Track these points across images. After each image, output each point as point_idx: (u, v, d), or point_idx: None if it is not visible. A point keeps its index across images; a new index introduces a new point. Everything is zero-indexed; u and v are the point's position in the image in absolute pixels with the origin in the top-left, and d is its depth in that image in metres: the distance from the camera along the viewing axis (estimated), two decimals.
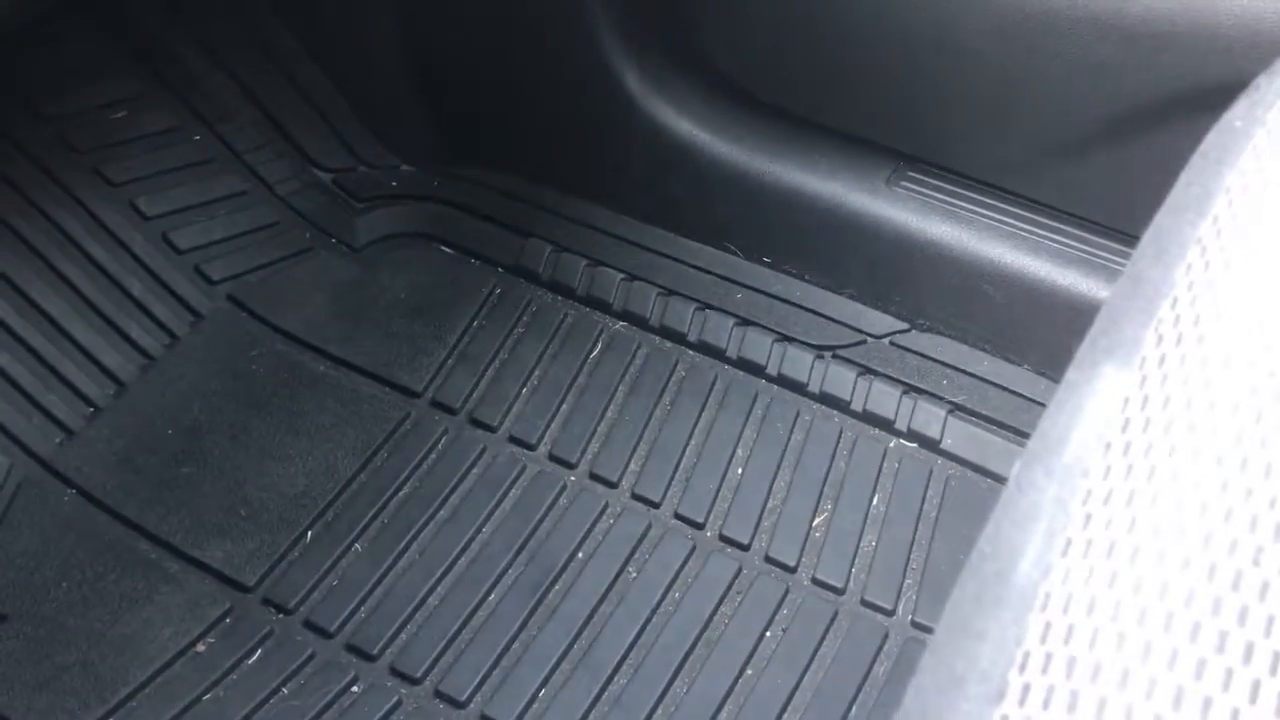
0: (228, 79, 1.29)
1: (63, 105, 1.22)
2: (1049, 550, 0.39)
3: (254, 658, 0.97)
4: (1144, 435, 0.41)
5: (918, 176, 1.13)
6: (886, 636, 0.98)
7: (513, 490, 1.07)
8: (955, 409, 1.09)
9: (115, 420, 1.11)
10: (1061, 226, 1.08)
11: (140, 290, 1.17)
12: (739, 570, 1.02)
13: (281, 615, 0.99)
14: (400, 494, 1.07)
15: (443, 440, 1.11)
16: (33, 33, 1.21)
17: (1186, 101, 0.92)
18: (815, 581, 1.01)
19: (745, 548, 1.03)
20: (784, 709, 0.94)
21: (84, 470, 1.08)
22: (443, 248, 1.27)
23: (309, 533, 1.04)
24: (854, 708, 0.94)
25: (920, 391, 1.11)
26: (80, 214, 1.18)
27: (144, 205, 1.21)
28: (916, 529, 1.03)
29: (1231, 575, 0.36)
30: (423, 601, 1.00)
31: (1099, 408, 0.44)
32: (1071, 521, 0.40)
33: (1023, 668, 0.36)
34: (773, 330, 1.16)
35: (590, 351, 1.18)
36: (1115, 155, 1.00)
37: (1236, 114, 0.57)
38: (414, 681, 0.95)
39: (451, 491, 1.07)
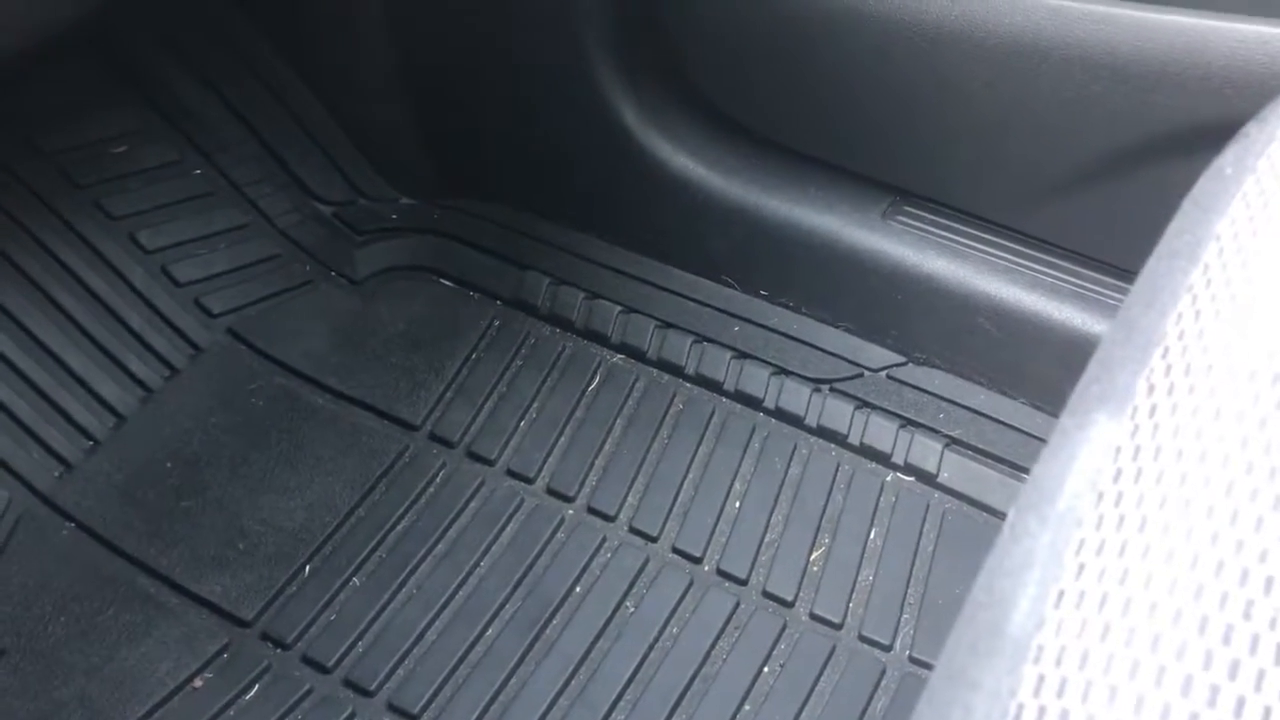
0: (228, 113, 1.30)
1: (63, 139, 1.23)
2: (1043, 601, 0.40)
3: (251, 693, 0.97)
4: (1136, 486, 0.42)
5: (913, 211, 1.14)
6: (884, 672, 0.98)
7: (510, 524, 1.08)
8: (952, 443, 1.10)
9: (114, 453, 1.11)
10: (1056, 261, 1.09)
11: (140, 323, 1.18)
12: (737, 605, 1.02)
13: (279, 650, 0.99)
14: (398, 528, 1.07)
15: (441, 473, 1.11)
16: (33, 67, 1.21)
17: (1178, 140, 0.93)
18: (813, 616, 1.01)
19: (743, 582, 1.03)
20: None
21: (83, 504, 1.08)
22: (442, 280, 1.28)
23: (307, 567, 1.04)
24: None
25: (917, 425, 1.11)
26: (80, 247, 1.19)
27: (144, 238, 1.22)
28: (914, 563, 1.04)
29: (1223, 629, 0.36)
30: (420, 636, 1.00)
31: (1092, 457, 0.44)
32: (1065, 572, 0.40)
33: None
34: (770, 363, 1.17)
35: (588, 384, 1.18)
36: (1109, 191, 1.01)
37: (1227, 161, 0.58)
38: (412, 718, 0.95)
39: (449, 525, 1.07)
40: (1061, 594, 0.39)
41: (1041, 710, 0.36)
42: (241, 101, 1.30)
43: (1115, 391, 0.47)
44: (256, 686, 0.97)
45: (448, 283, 1.28)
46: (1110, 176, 1.00)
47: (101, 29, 1.24)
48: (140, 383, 1.16)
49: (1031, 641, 0.38)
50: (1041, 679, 0.37)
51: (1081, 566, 0.40)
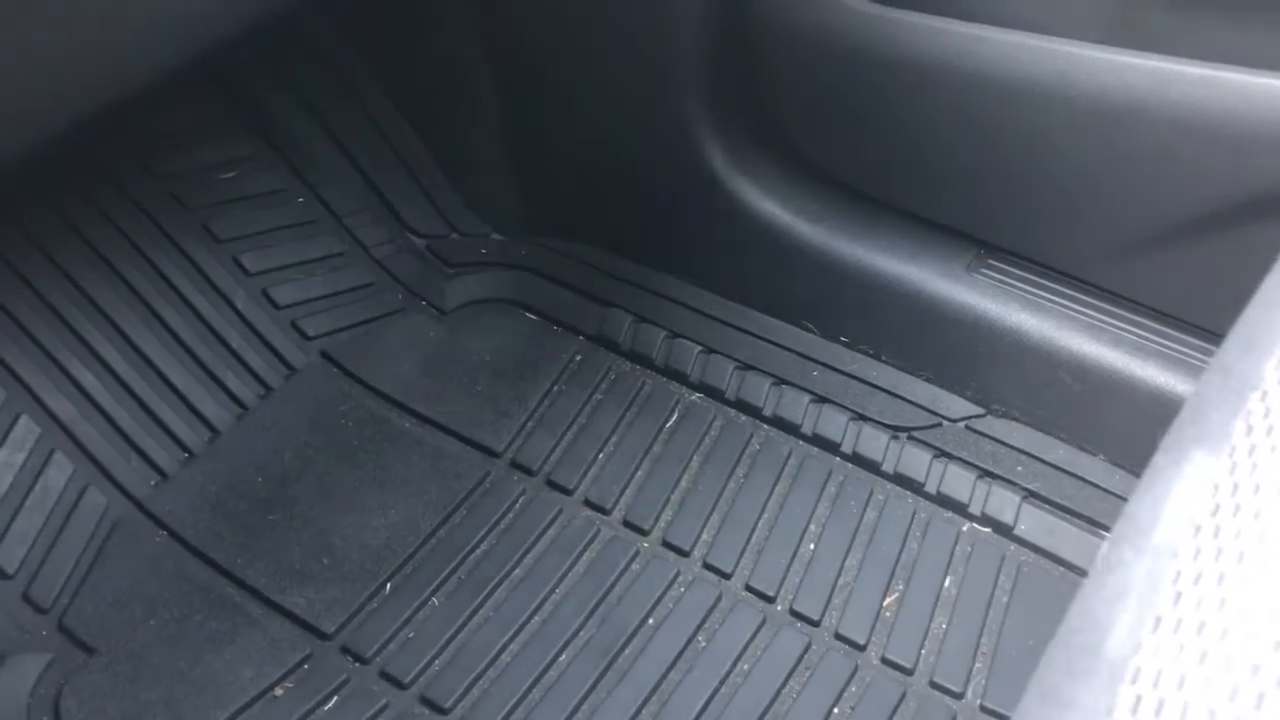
0: (333, 146, 1.35)
1: (176, 164, 1.29)
2: (1139, 626, 0.41)
3: (330, 704, 0.99)
4: (1234, 520, 0.43)
5: (998, 264, 1.15)
6: (955, 719, 0.97)
7: (586, 553, 1.09)
8: (1029, 495, 1.10)
9: (208, 466, 1.15)
10: (1141, 320, 1.09)
11: (239, 342, 1.22)
12: (808, 645, 1.02)
13: (358, 664, 1.02)
14: (478, 551, 1.09)
15: (520, 500, 1.13)
16: (152, 96, 1.28)
17: (1269, 202, 0.93)
18: (885, 660, 1.01)
19: (815, 623, 1.04)
20: None
21: (176, 513, 1.12)
22: (528, 314, 1.31)
23: (388, 584, 1.06)
24: None
25: (994, 477, 1.11)
26: (187, 267, 1.24)
27: (247, 261, 1.27)
28: (987, 613, 1.04)
29: None
30: (495, 658, 1.01)
31: (1188, 492, 0.45)
32: (1162, 599, 0.41)
33: None
34: (848, 409, 1.18)
35: (666, 421, 1.20)
36: (1196, 252, 1.01)
37: None
38: None
39: (527, 551, 1.09)
40: (1158, 620, 0.40)
41: None
42: (347, 136, 1.36)
43: (1211, 431, 0.48)
44: (335, 698, 0.99)
45: (533, 316, 1.31)
46: (1198, 237, 1.00)
47: (221, 63, 1.30)
48: (236, 399, 1.20)
49: (1129, 664, 0.39)
50: (1139, 699, 0.38)
51: (1179, 595, 0.41)
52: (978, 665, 1.00)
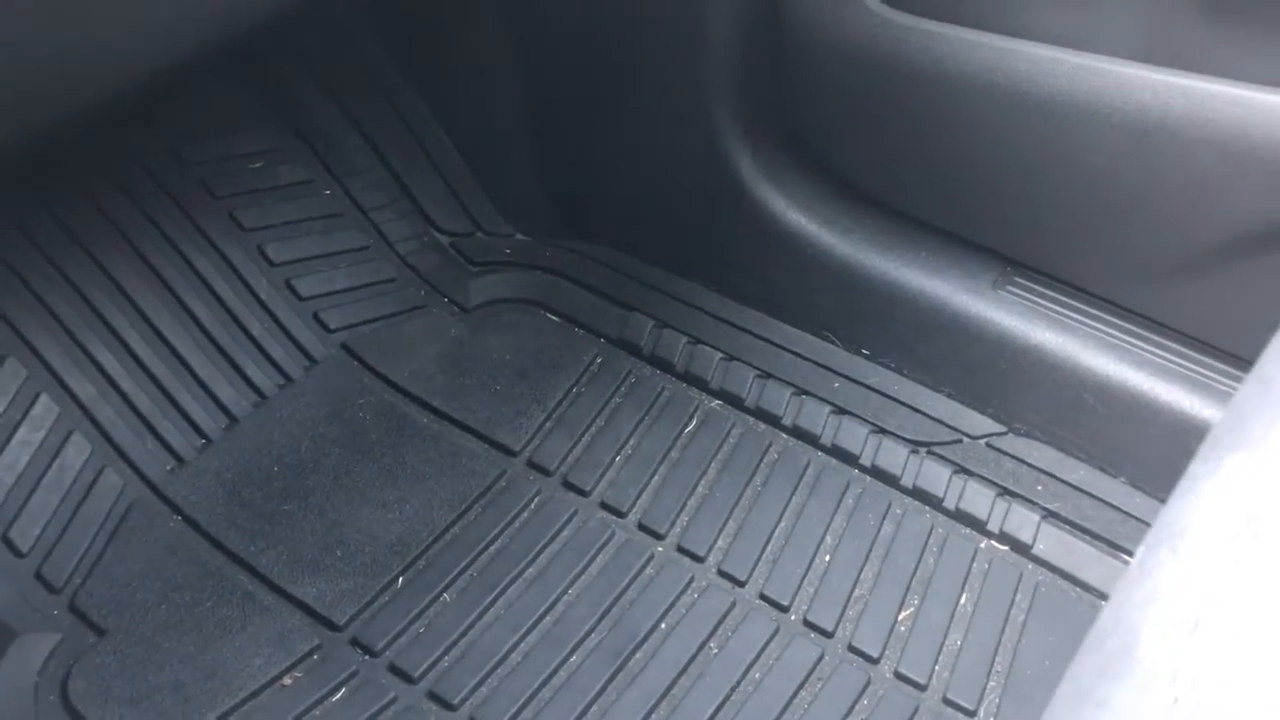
0: (362, 141, 1.36)
1: (206, 153, 1.29)
2: (1176, 630, 0.40)
3: (338, 696, 0.99)
4: (1275, 528, 0.42)
5: (1024, 282, 1.14)
6: None
7: (600, 555, 1.09)
8: (1049, 515, 1.09)
9: (225, 453, 1.15)
10: (1167, 343, 1.08)
11: (260, 331, 1.22)
12: (821, 656, 1.01)
13: (368, 657, 1.01)
14: (491, 549, 1.09)
15: (536, 500, 1.13)
16: (184, 85, 1.28)
17: None
18: (898, 675, 1.00)
19: (829, 634, 1.03)
20: None
21: (191, 498, 1.12)
22: (549, 315, 1.31)
23: (400, 578, 1.06)
24: None
25: (1014, 495, 1.11)
26: (212, 255, 1.24)
27: (272, 252, 1.27)
28: (1003, 631, 1.03)
29: None
30: (506, 656, 1.01)
31: (1225, 498, 0.45)
32: (1199, 602, 0.40)
33: None
34: (868, 422, 1.17)
35: (685, 426, 1.20)
36: (1226, 276, 1.00)
37: None
38: None
39: (541, 551, 1.09)
40: (1196, 622, 0.40)
41: None
42: (376, 132, 1.36)
43: (1249, 439, 0.47)
44: (343, 690, 0.99)
45: (554, 317, 1.31)
46: (1228, 260, 0.99)
47: (254, 55, 1.31)
48: (256, 388, 1.20)
49: (1164, 667, 0.39)
50: (1176, 700, 0.37)
51: (1216, 599, 0.41)
52: (991, 683, 0.99)
